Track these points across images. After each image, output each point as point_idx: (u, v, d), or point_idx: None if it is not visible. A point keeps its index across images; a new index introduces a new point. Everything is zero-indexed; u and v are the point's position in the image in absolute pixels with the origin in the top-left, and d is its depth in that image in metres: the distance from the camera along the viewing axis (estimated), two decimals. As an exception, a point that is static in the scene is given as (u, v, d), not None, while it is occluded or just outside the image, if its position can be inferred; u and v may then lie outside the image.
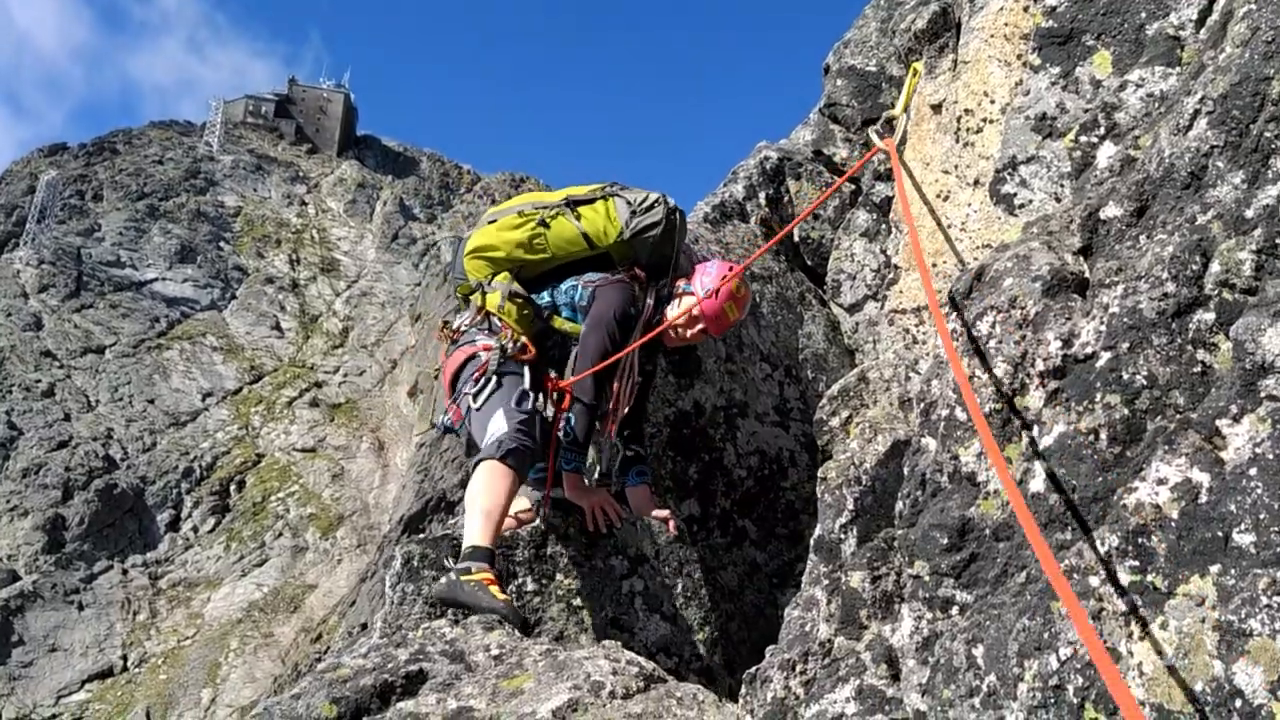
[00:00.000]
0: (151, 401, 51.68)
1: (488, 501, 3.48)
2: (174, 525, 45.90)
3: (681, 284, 4.07)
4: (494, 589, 3.27)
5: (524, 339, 3.89)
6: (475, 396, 3.75)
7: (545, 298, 4.04)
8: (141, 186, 67.19)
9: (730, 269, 3.99)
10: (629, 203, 4.05)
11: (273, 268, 66.34)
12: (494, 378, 3.75)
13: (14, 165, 69.01)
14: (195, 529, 45.99)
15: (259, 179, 76.10)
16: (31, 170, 66.80)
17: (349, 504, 47.23)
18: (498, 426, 3.61)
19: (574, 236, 4.03)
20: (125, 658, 40.01)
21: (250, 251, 66.94)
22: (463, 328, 4.08)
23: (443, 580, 3.44)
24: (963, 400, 2.01)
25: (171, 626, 41.45)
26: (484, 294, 4.01)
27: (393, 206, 74.28)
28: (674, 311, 3.95)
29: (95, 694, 38.30)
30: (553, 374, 4.00)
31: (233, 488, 48.40)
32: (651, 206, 4.02)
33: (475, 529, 3.47)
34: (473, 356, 3.91)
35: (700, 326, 3.94)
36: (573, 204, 4.10)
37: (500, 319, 3.93)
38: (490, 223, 4.16)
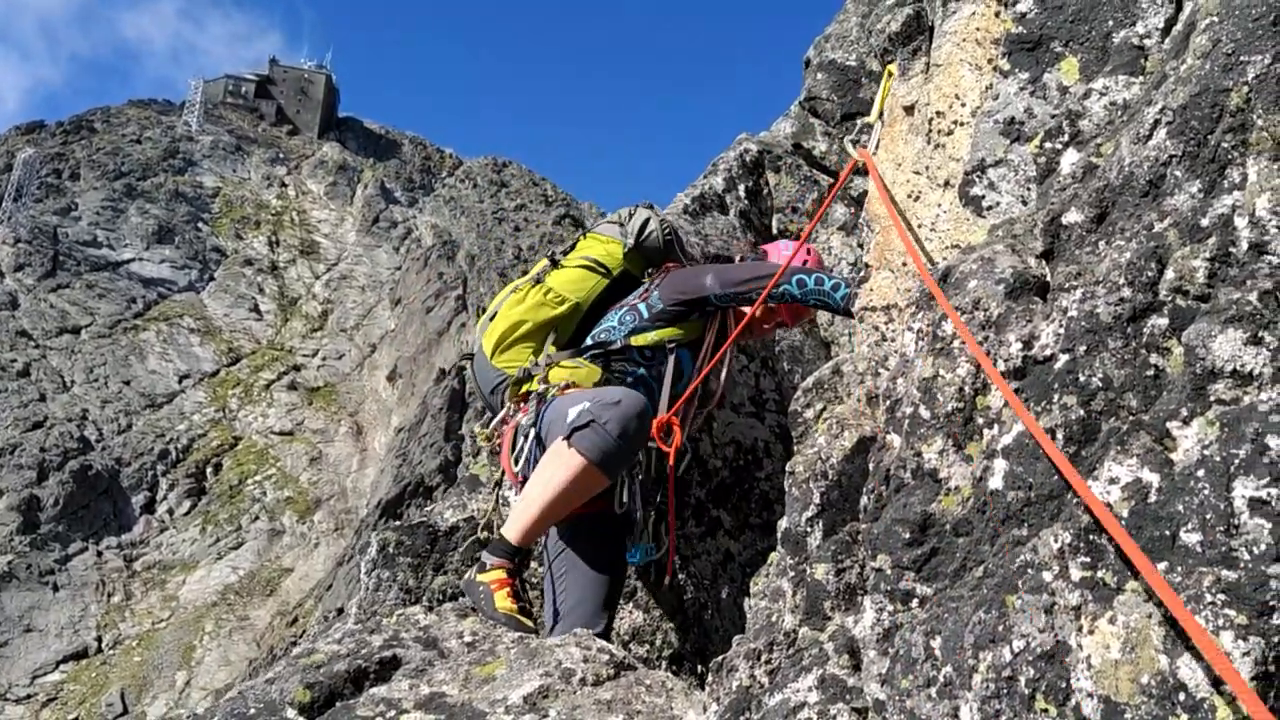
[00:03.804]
0: (127, 383, 51.40)
1: (535, 488, 3.13)
2: (149, 507, 45.76)
3: None
4: (500, 594, 3.07)
5: None
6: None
7: (604, 337, 3.59)
8: (119, 166, 66.65)
9: (808, 250, 3.82)
10: (610, 223, 3.91)
11: (251, 249, 66.00)
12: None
13: (-10, 143, 68.27)
14: (171, 511, 45.85)
15: (238, 160, 75.61)
16: (8, 148, 66.10)
17: (326, 488, 47.18)
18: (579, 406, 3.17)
19: (582, 273, 3.75)
20: (100, 639, 39.92)
21: (229, 233, 66.58)
22: (520, 422, 3.49)
23: (472, 570, 3.24)
24: (928, 398, 2.06)
25: (146, 609, 41.35)
26: (547, 371, 3.48)
27: (374, 189, 73.96)
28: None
29: (70, 675, 38.21)
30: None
31: (209, 470, 48.28)
32: (632, 214, 3.89)
33: (514, 517, 3.19)
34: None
35: (778, 318, 3.79)
36: (554, 260, 3.85)
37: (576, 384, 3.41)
38: (491, 319, 3.76)
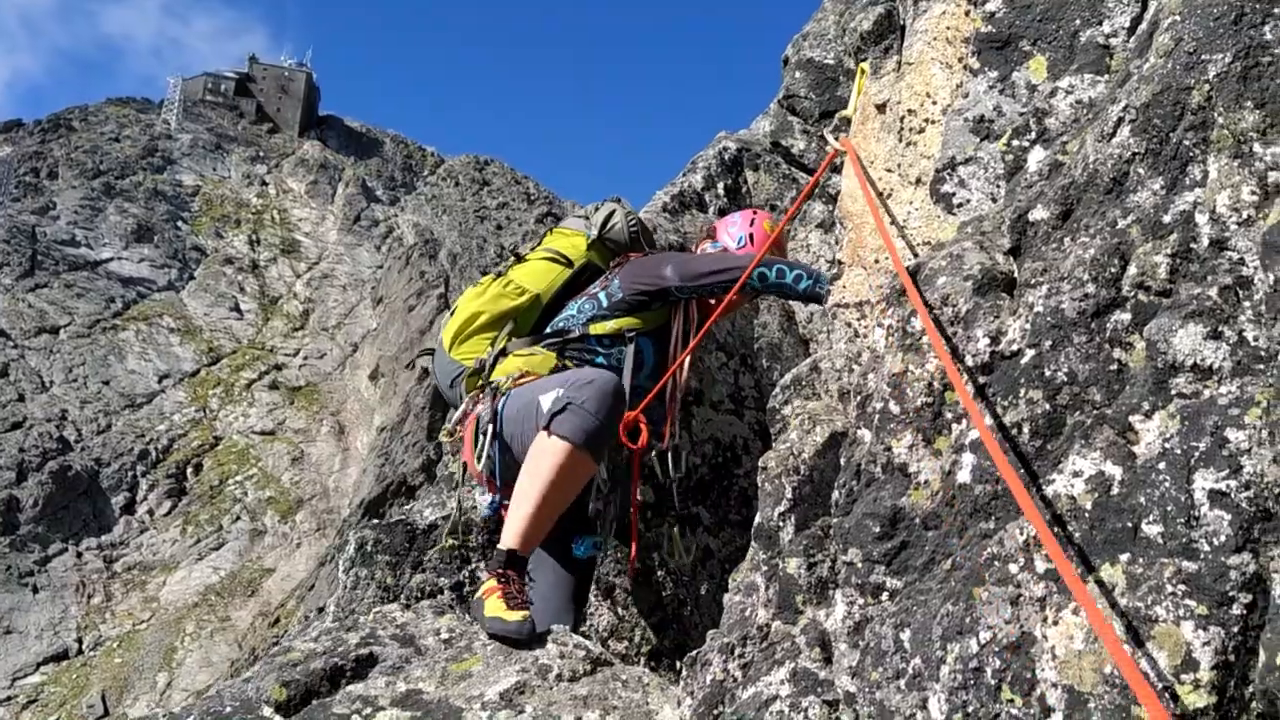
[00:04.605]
0: (107, 383, 51.02)
1: (522, 487, 3.02)
2: (129, 508, 45.42)
3: (706, 245, 3.90)
4: (490, 602, 2.92)
5: None
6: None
7: (563, 325, 3.53)
8: (98, 164, 66.11)
9: (755, 212, 3.87)
10: (577, 217, 3.91)
11: (232, 248, 65.61)
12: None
13: (-34, 142, 67.62)
14: (151, 512, 45.53)
15: (218, 158, 75.16)
16: (-16, 146, 65.47)
17: (308, 488, 46.96)
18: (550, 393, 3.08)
19: (544, 264, 3.71)
20: (80, 641, 39.63)
21: (209, 231, 66.16)
22: (479, 415, 3.35)
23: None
24: (897, 394, 2.08)
25: (127, 610, 41.08)
26: (500, 359, 3.45)
27: (355, 188, 73.62)
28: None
29: (50, 677, 37.92)
30: None
31: (189, 470, 47.96)
32: (598, 208, 3.89)
33: (510, 523, 3.06)
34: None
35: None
36: (520, 256, 3.80)
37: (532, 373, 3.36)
38: (453, 314, 3.69)
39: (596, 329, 3.48)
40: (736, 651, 2.24)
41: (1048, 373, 1.82)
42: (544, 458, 2.97)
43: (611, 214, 3.82)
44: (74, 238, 60.14)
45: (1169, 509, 1.58)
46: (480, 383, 3.44)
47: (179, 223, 65.76)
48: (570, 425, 2.95)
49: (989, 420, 1.86)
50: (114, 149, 68.65)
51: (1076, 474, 1.69)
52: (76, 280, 57.26)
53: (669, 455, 3.64)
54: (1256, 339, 1.63)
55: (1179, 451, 1.60)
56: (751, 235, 3.80)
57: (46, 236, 59.06)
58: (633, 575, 3.81)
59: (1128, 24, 2.34)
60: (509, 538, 3.02)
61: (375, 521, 4.01)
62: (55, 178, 64.02)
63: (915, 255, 2.65)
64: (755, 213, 3.94)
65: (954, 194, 2.47)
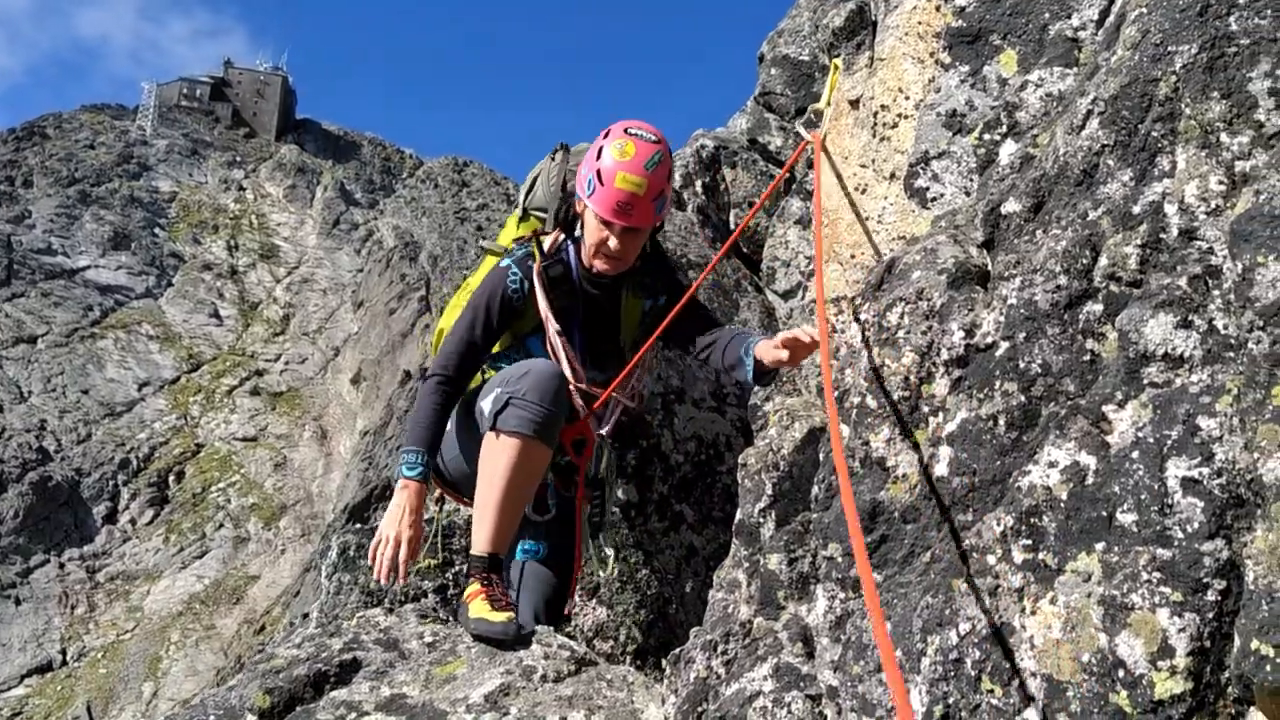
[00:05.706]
0: (86, 392, 50.69)
1: (482, 491, 2.98)
2: (111, 518, 45.15)
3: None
4: (475, 604, 2.90)
5: None
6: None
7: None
8: (73, 172, 65.68)
9: (605, 134, 3.08)
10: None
11: (210, 254, 65.28)
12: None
13: (-61, 151, 67.01)
14: (133, 521, 45.27)
15: (195, 163, 74.77)
16: (-43, 156, 64.86)
17: (292, 493, 46.77)
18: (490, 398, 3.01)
19: (489, 261, 3.46)
20: (64, 652, 39.39)
21: (186, 238, 65.81)
22: None
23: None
24: (875, 388, 2.09)
25: (110, 620, 40.83)
26: None
27: (333, 192, 73.36)
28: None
29: (35, 689, 37.67)
30: None
31: (171, 479, 47.71)
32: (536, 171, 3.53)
33: (475, 527, 3.03)
34: None
35: (618, 226, 3.03)
36: (487, 251, 3.58)
37: None
38: None
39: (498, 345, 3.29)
40: (720, 648, 2.25)
41: (1022, 364, 1.83)
42: (498, 457, 2.93)
43: (534, 180, 3.42)
44: (50, 246, 59.70)
45: (1143, 497, 1.59)
46: None
47: (156, 229, 65.38)
48: (517, 419, 2.90)
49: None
50: (89, 156, 68.21)
51: (1052, 464, 1.71)
52: (53, 289, 56.85)
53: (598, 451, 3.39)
54: (1226, 327, 1.65)
55: (1152, 440, 1.62)
56: (599, 175, 3.02)
57: (22, 245, 58.61)
58: (571, 595, 3.66)
59: (1096, 17, 2.35)
60: (482, 542, 2.99)
61: (358, 526, 4.00)
62: (30, 186, 63.54)
63: (878, 253, 2.67)
64: (606, 134, 3.10)
65: (928, 188, 2.48)
